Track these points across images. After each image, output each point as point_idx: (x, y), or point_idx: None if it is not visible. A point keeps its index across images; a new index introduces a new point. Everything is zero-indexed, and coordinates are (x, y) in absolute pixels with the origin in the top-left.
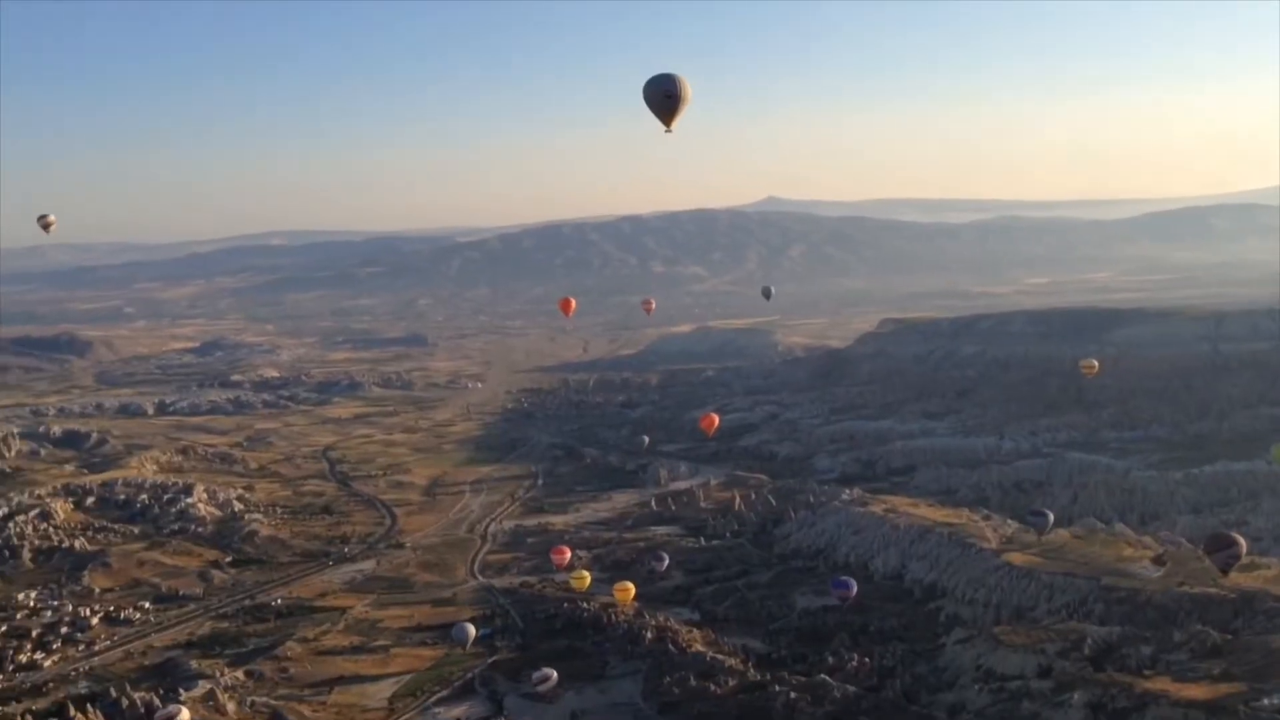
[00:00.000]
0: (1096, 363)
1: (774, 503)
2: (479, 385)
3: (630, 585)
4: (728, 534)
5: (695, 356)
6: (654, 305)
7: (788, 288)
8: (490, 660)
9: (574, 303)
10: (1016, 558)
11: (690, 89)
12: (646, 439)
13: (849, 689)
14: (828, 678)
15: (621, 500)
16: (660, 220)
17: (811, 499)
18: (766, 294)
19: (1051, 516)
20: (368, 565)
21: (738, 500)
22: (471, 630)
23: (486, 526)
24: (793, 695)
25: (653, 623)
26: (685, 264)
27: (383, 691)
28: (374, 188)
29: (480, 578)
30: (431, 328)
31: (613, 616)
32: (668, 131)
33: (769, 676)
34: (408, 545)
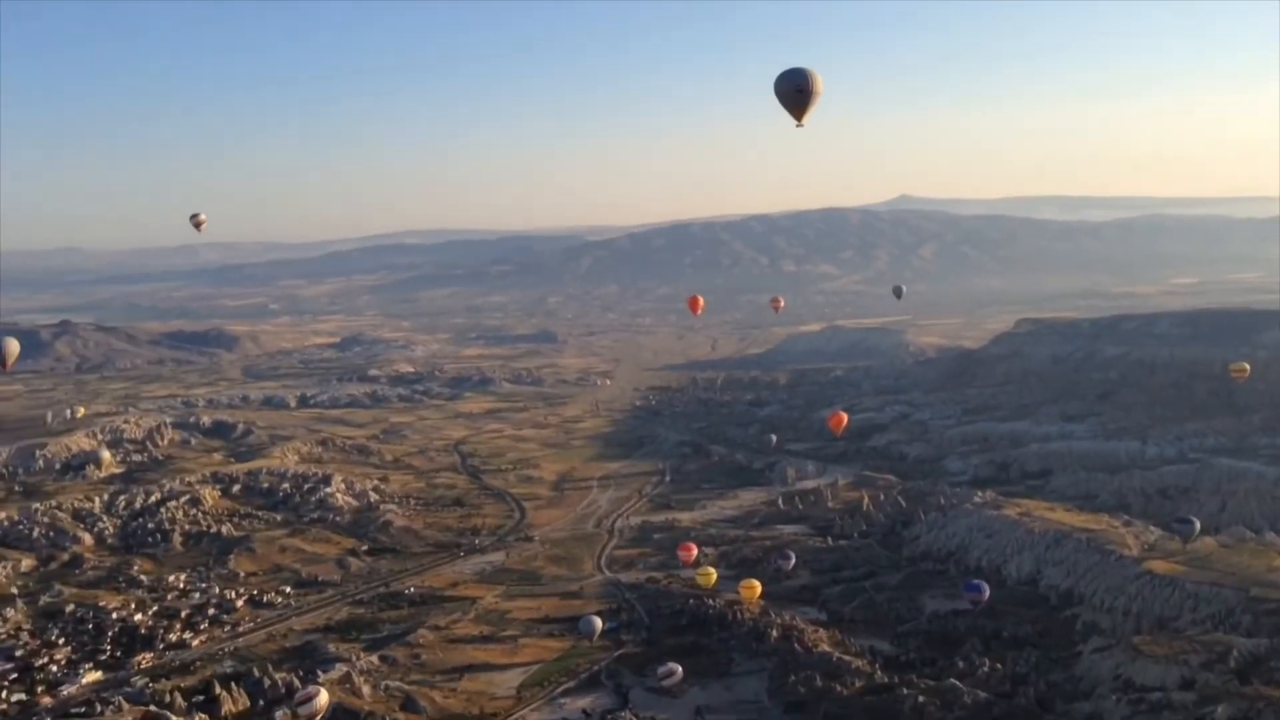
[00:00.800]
0: (1247, 366)
1: (903, 504)
2: (607, 382)
3: (756, 583)
4: (855, 534)
5: (824, 356)
6: (782, 303)
7: (920, 287)
8: (616, 654)
9: (702, 301)
10: (1159, 566)
11: (821, 83)
12: (774, 437)
13: (980, 695)
14: (958, 683)
15: (748, 498)
16: (790, 219)
17: (942, 501)
18: (898, 293)
19: (1197, 524)
20: (497, 557)
21: (866, 501)
22: (598, 623)
23: (613, 522)
24: (921, 699)
25: (778, 621)
26: (815, 263)
27: (511, 681)
28: (506, 188)
29: (607, 572)
30: (561, 325)
31: (738, 614)
32: (799, 125)
33: (897, 679)
34: (536, 539)
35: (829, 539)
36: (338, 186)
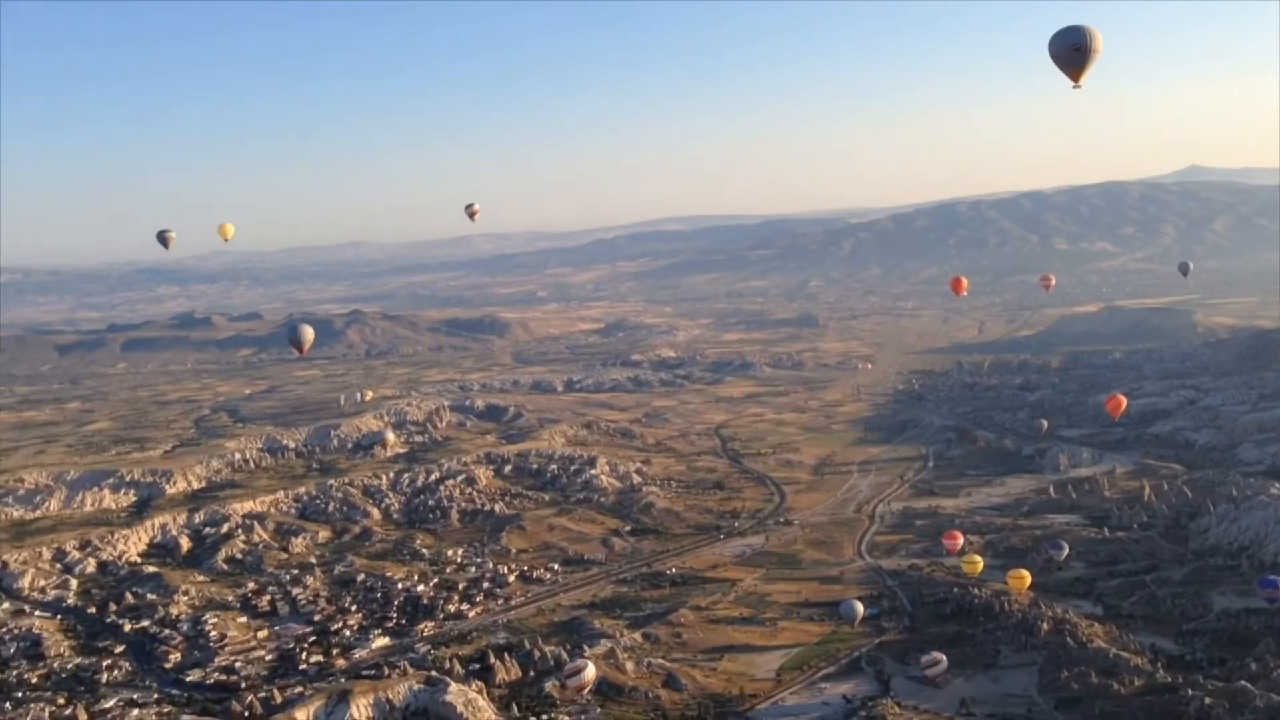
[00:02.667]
0: None
1: (1189, 494)
2: (869, 366)
3: (1025, 573)
4: (1135, 525)
5: (1101, 338)
6: (1053, 281)
7: (1210, 264)
8: (877, 640)
9: (965, 282)
10: None
11: (1101, 40)
12: (1045, 423)
13: (1274, 698)
14: (1249, 685)
15: (1016, 486)
16: (1064, 195)
17: (1234, 491)
18: (1184, 270)
19: None
20: (757, 540)
21: (1147, 490)
22: (860, 609)
23: (875, 507)
24: (1208, 701)
25: (1049, 614)
26: (1091, 240)
27: (770, 663)
28: (767, 171)
29: (868, 558)
30: (822, 309)
31: (1006, 604)
32: (1075, 87)
33: (1180, 679)
34: (796, 523)
35: (1105, 530)
36: (603, 176)
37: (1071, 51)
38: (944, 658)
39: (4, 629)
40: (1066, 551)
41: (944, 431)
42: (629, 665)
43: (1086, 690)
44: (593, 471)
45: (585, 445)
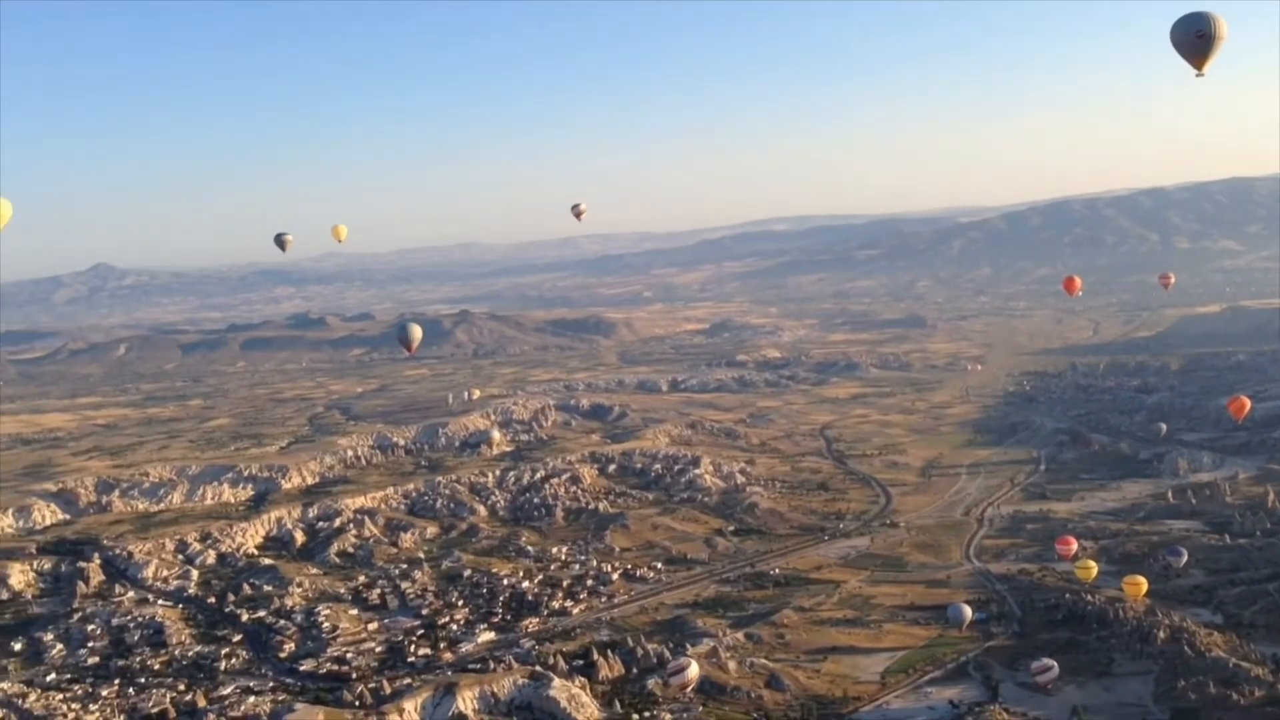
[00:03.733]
0: None
1: None
2: (979, 367)
3: (1142, 580)
4: (1258, 532)
5: (1224, 339)
6: (1173, 280)
7: None
8: (985, 645)
9: (1079, 282)
10: None
11: (1225, 27)
12: (1163, 426)
13: None
14: None
15: (1132, 490)
16: (1186, 191)
17: None
18: None
19: None
20: (862, 542)
21: (1271, 496)
22: (968, 612)
23: (983, 510)
24: None
25: (1166, 621)
26: (1214, 238)
27: (874, 665)
28: (875, 171)
29: (976, 562)
30: (930, 309)
31: (1121, 611)
32: (1199, 75)
33: None
34: (902, 525)
35: (1227, 536)
36: (709, 176)
37: (1195, 38)
38: (1055, 664)
39: (129, 617)
40: (1185, 558)
41: (1056, 434)
42: (731, 665)
43: (1204, 701)
44: (696, 471)
45: (689, 445)
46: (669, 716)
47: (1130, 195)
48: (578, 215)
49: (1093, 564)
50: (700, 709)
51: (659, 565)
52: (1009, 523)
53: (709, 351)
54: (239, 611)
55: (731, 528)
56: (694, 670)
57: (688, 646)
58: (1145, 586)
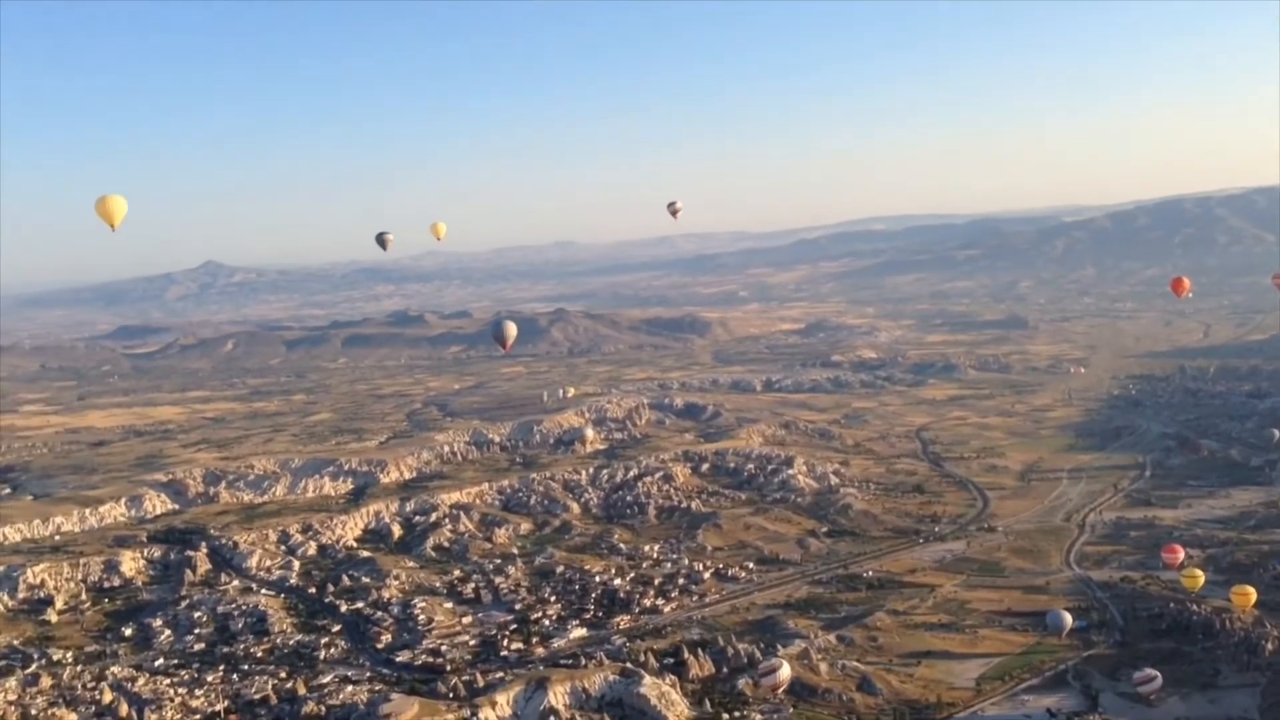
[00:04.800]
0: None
1: None
2: (1082, 370)
3: (1250, 590)
4: None
5: None
6: None
7: None
8: (1085, 654)
9: (1187, 283)
10: None
11: None
12: (1276, 433)
13: None
14: None
15: (1243, 498)
16: None
17: None
18: None
19: None
20: (958, 546)
21: None
22: (1068, 619)
23: (1085, 516)
24: None
25: (1275, 633)
26: None
27: (970, 671)
28: (976, 169)
29: (1076, 568)
30: (1032, 310)
31: (1228, 622)
32: None
33: None
34: (1000, 529)
35: None
36: (806, 176)
37: None
38: (1158, 675)
39: (234, 605)
40: None
41: (1163, 439)
42: (823, 666)
43: None
44: (790, 471)
45: (783, 445)
46: (759, 717)
47: (1244, 194)
48: (674, 214)
49: (1199, 573)
50: (791, 710)
51: (751, 565)
52: (1112, 529)
53: (804, 352)
54: (338, 602)
55: (825, 529)
56: (785, 671)
57: (779, 647)
58: (1254, 596)
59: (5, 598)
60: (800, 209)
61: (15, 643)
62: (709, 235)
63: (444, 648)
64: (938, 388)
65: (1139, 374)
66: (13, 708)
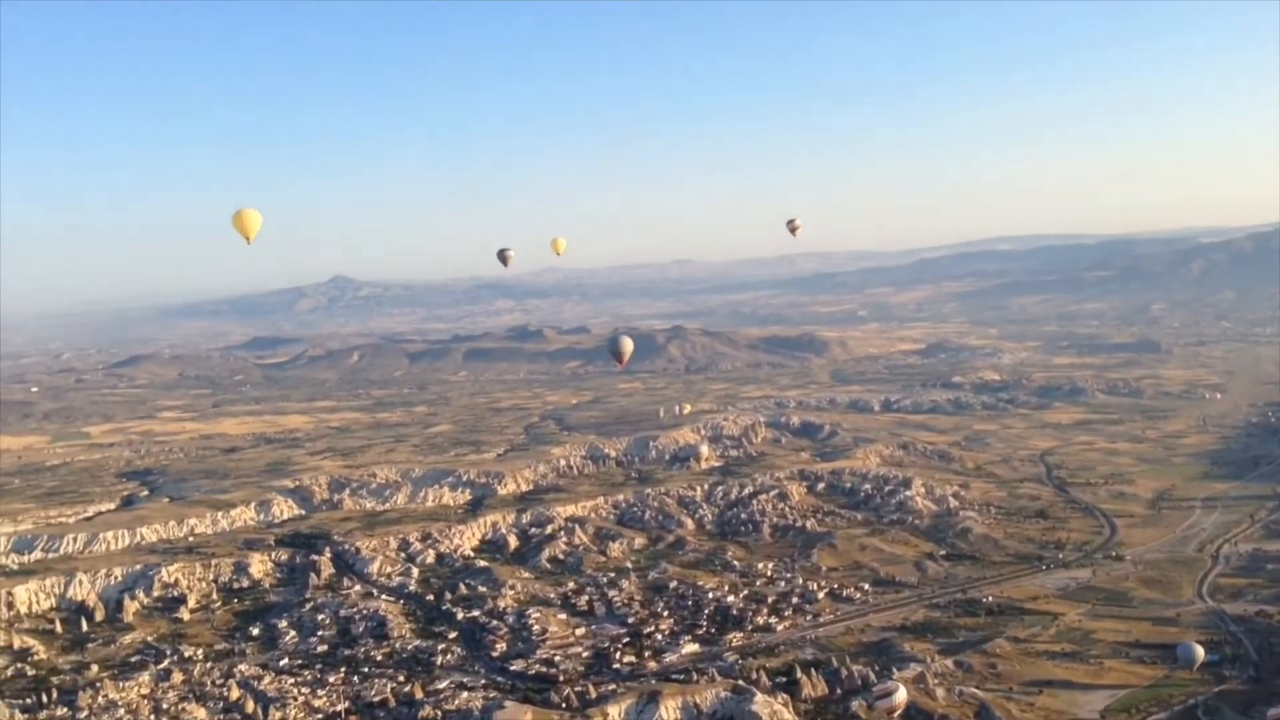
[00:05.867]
0: None
1: None
2: (1218, 396)
3: None
4: None
5: None
6: None
7: None
8: (1217, 689)
9: None
10: None
11: None
12: None
13: None
14: None
15: None
16: None
17: None
18: None
19: None
20: (1083, 574)
21: None
22: (1200, 653)
23: (1219, 547)
24: None
25: None
26: None
27: (1094, 703)
28: (1107, 188)
29: (1209, 600)
30: (1165, 334)
31: None
32: None
33: None
34: (1128, 558)
35: None
36: (929, 194)
37: None
38: None
39: (355, 609)
40: None
41: None
42: (939, 692)
43: None
44: (908, 493)
45: (901, 466)
46: None
47: None
48: (793, 231)
49: None
50: None
51: (866, 586)
52: (1247, 561)
53: (924, 372)
54: (455, 610)
55: (943, 552)
56: (902, 695)
57: (894, 670)
58: None
59: (141, 595)
60: (922, 228)
61: (150, 639)
62: (828, 254)
63: (557, 658)
64: (1064, 411)
65: (1279, 401)
66: (146, 701)
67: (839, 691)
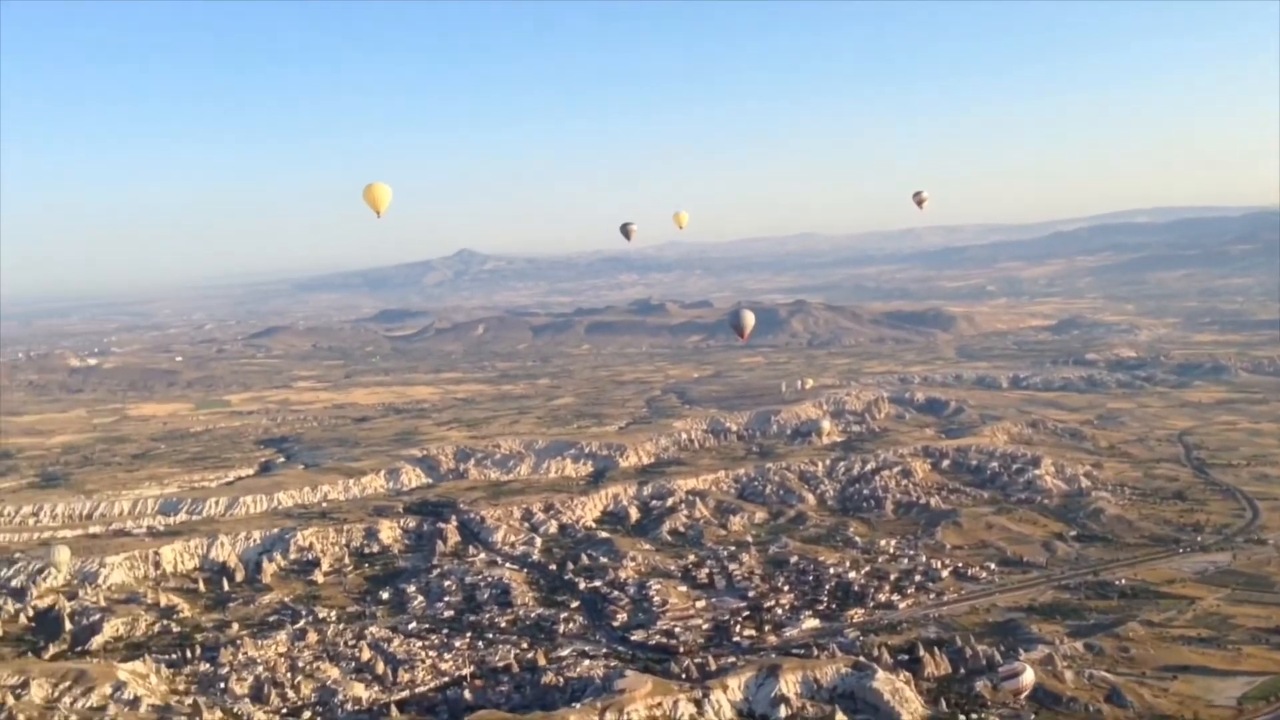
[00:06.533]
0: None
1: None
2: None
3: None
4: None
5: None
6: None
7: None
8: None
9: None
10: None
11: None
12: None
13: None
14: None
15: None
16: None
17: None
18: None
19: None
20: (1222, 558)
21: None
22: None
23: None
24: None
25: None
26: None
27: (1230, 689)
28: (1253, 159)
29: None
30: None
31: None
32: None
33: None
34: (1271, 542)
35: None
36: (1063, 165)
37: None
38: None
39: (480, 576)
40: None
41: None
42: (1068, 675)
43: None
44: (1036, 472)
45: (1029, 444)
46: None
47: None
48: (920, 204)
49: None
50: (1033, 717)
51: (992, 565)
52: None
53: (1055, 348)
54: (577, 580)
55: (1073, 532)
56: (1029, 676)
57: (1021, 651)
58: None
59: (279, 558)
60: (1055, 200)
61: (286, 599)
62: (956, 227)
63: (677, 629)
64: (1204, 390)
65: None
66: (283, 659)
67: (963, 671)
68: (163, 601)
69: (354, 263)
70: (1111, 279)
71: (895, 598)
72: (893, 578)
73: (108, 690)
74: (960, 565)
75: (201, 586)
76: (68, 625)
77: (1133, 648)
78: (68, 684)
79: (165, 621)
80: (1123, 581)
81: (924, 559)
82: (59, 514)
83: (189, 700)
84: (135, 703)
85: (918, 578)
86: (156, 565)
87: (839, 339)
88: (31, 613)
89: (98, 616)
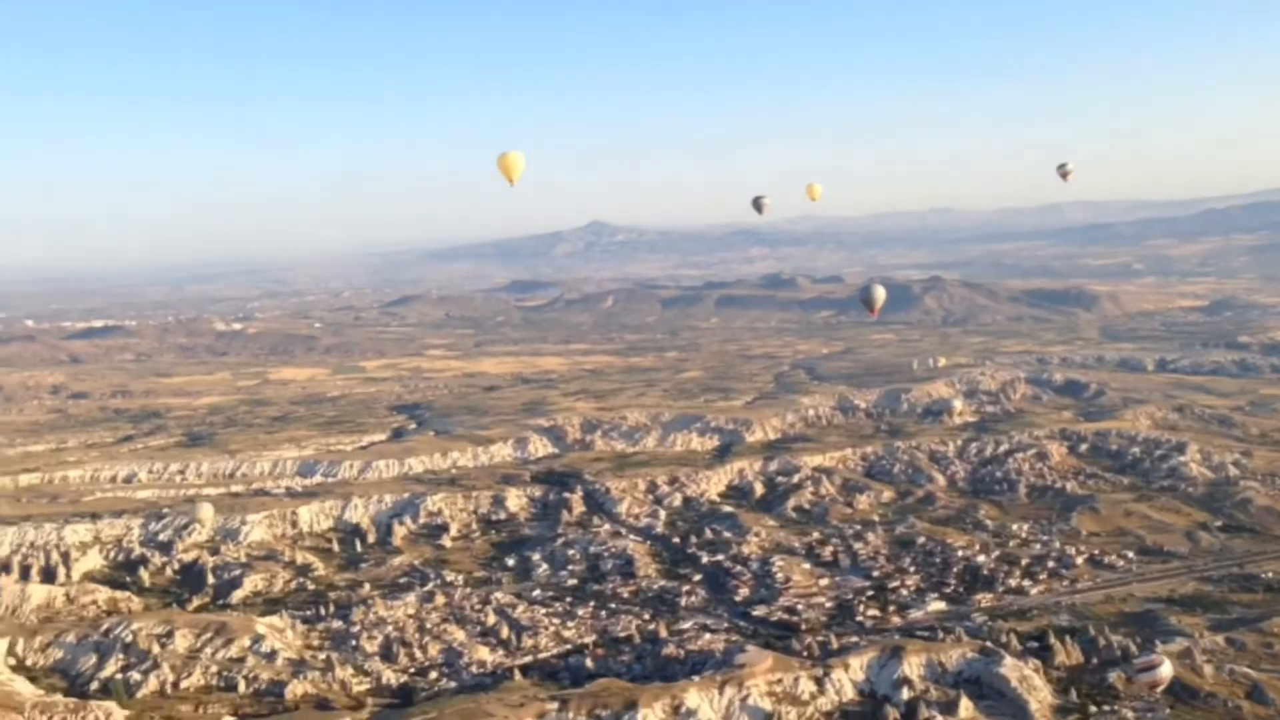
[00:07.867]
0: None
1: None
2: None
3: None
4: None
5: None
6: None
7: None
8: None
9: None
10: None
11: None
12: None
13: None
14: None
15: None
16: None
17: None
18: None
19: None
20: None
21: None
22: None
23: None
24: None
25: None
26: None
27: None
28: None
29: None
30: None
31: None
32: None
33: None
34: None
35: None
36: (1219, 139)
37: None
38: None
39: (604, 546)
40: None
41: None
42: (1207, 669)
43: None
44: (1181, 458)
45: (1174, 430)
46: (1131, 714)
47: None
48: (1064, 176)
49: None
50: (1168, 711)
51: (1130, 554)
52: None
53: (1205, 330)
54: (700, 553)
55: (1218, 522)
56: (1167, 669)
57: (1158, 644)
58: None
59: (409, 522)
60: (1209, 175)
61: (416, 563)
62: (1103, 203)
63: (800, 607)
64: None
65: None
66: (412, 620)
67: (1095, 661)
68: (299, 560)
69: (487, 233)
70: (1270, 259)
71: (1026, 583)
72: (1024, 563)
73: (247, 642)
74: (1096, 553)
75: (335, 547)
76: (210, 579)
77: (1277, 644)
78: (209, 635)
79: (301, 579)
80: (1270, 575)
81: (1058, 545)
82: (204, 472)
83: (322, 655)
84: (272, 655)
85: (1050, 564)
86: (294, 525)
87: (974, 317)
88: (177, 566)
89: (238, 572)
